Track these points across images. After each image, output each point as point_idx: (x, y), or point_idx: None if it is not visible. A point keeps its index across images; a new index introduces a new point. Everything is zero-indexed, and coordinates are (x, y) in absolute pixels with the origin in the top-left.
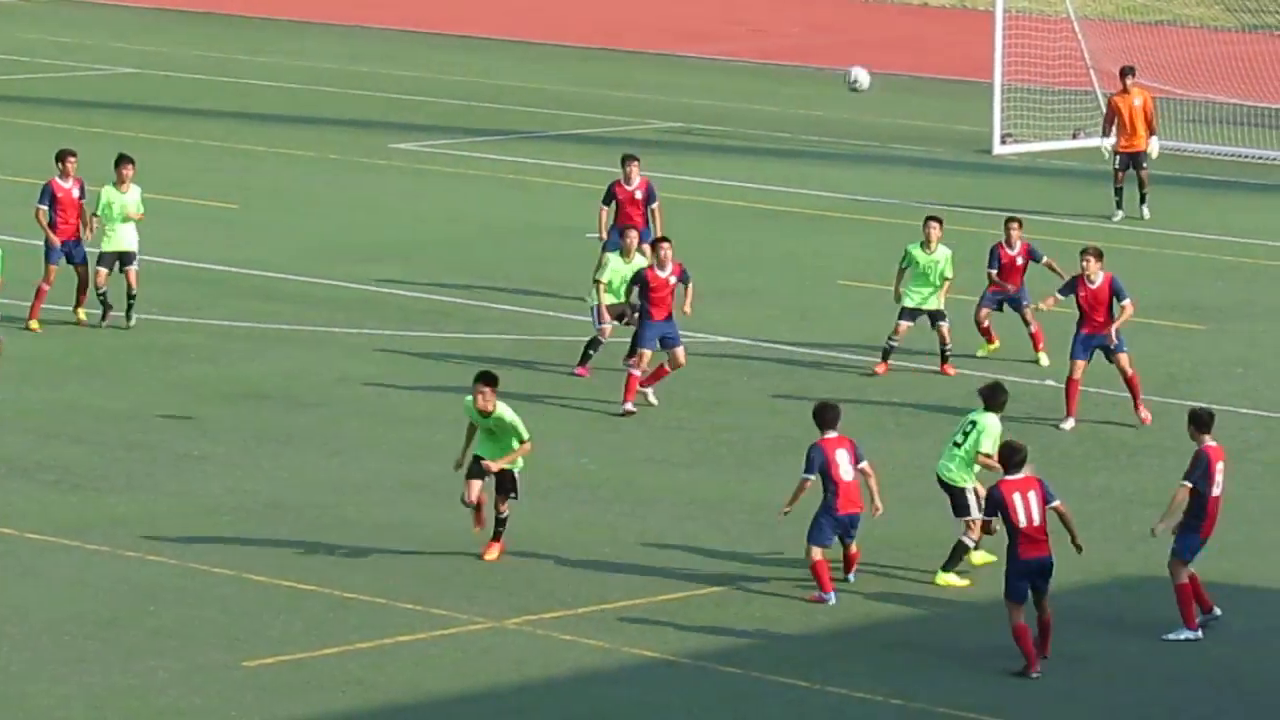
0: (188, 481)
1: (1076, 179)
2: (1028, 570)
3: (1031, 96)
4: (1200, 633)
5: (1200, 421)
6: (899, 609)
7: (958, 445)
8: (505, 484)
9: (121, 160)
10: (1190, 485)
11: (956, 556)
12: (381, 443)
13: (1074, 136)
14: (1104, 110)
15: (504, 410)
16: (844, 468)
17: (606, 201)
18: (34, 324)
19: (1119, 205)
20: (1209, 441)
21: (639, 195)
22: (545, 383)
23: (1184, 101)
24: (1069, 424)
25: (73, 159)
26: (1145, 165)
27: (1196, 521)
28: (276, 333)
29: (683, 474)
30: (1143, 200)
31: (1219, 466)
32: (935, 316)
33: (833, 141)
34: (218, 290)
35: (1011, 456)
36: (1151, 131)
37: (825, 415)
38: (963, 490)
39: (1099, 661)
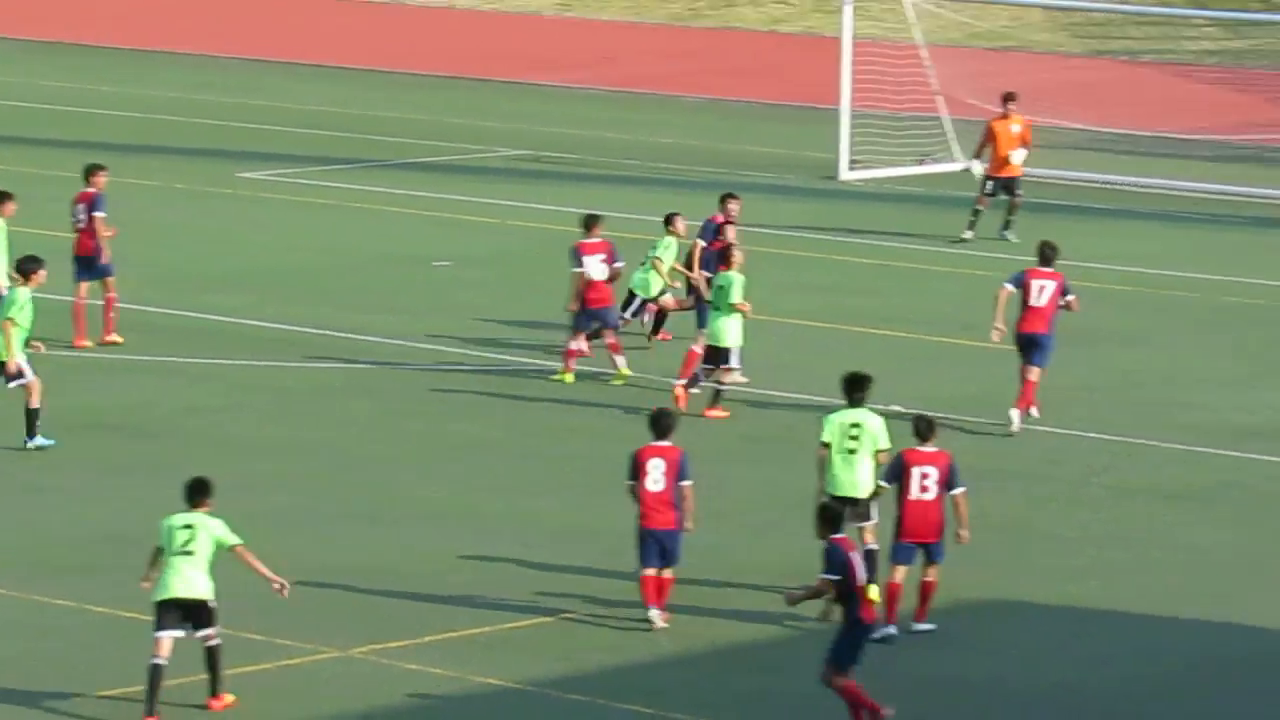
0: (30, 513)
1: (923, 204)
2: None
3: (879, 123)
4: (894, 629)
5: (915, 428)
6: (746, 633)
7: (852, 453)
8: (202, 616)
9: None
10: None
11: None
12: (226, 473)
13: (920, 162)
14: (980, 136)
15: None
16: (653, 477)
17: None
18: None
19: (971, 226)
20: (918, 446)
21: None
22: (391, 412)
23: (1032, 127)
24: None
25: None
26: (1019, 192)
27: (896, 524)
28: (122, 363)
29: (530, 502)
30: (1007, 225)
31: (916, 471)
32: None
33: (682, 169)
34: (62, 321)
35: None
36: (1026, 147)
37: (656, 422)
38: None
39: (948, 686)
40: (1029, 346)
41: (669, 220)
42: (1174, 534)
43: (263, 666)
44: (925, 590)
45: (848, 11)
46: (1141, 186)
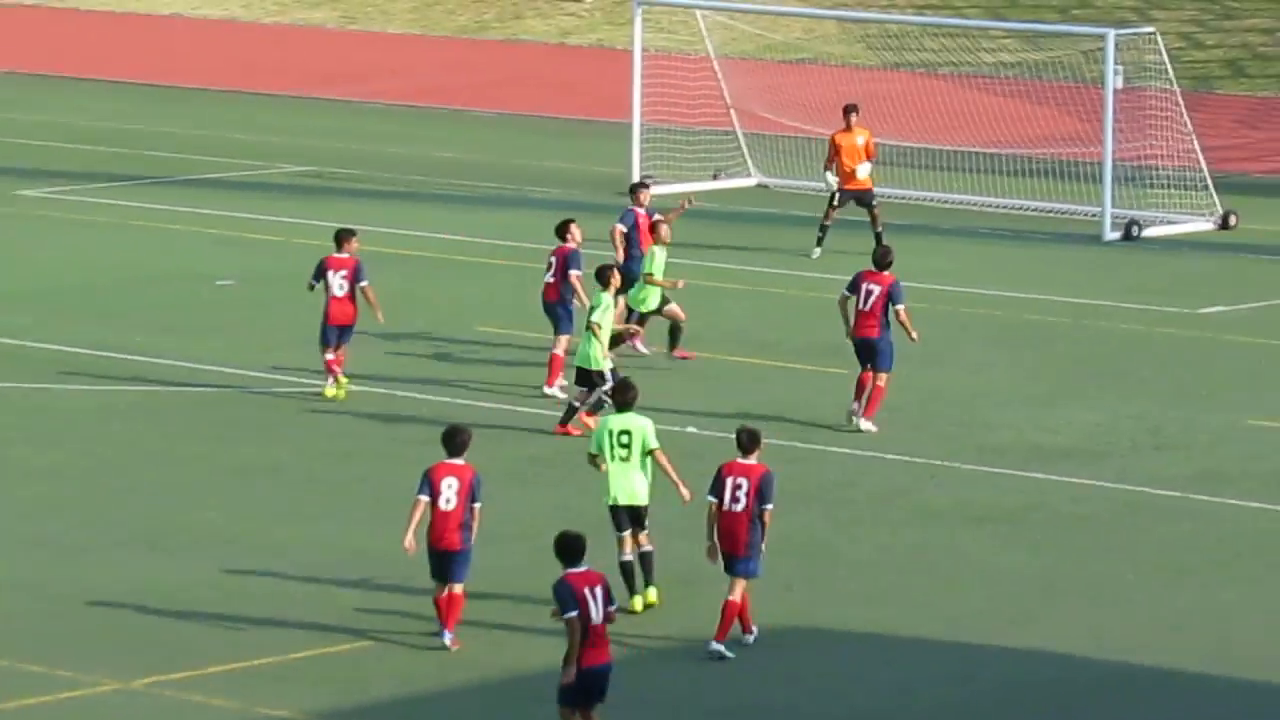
0: None
1: (717, 220)
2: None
3: (672, 137)
4: (723, 648)
5: (737, 439)
6: (539, 659)
7: (625, 460)
8: None
9: None
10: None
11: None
12: (3, 498)
13: (715, 177)
14: (827, 150)
15: None
16: (445, 496)
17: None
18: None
19: (820, 242)
20: (739, 458)
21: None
22: (174, 434)
23: (826, 140)
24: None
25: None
26: (875, 203)
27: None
28: None
29: (317, 526)
30: (879, 240)
31: (729, 482)
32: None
33: (467, 184)
34: None
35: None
36: (870, 159)
37: (449, 440)
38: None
39: (743, 717)
40: (861, 351)
41: (653, 227)
42: (978, 557)
43: (42, 699)
44: (725, 610)
45: (638, 24)
46: (940, 201)
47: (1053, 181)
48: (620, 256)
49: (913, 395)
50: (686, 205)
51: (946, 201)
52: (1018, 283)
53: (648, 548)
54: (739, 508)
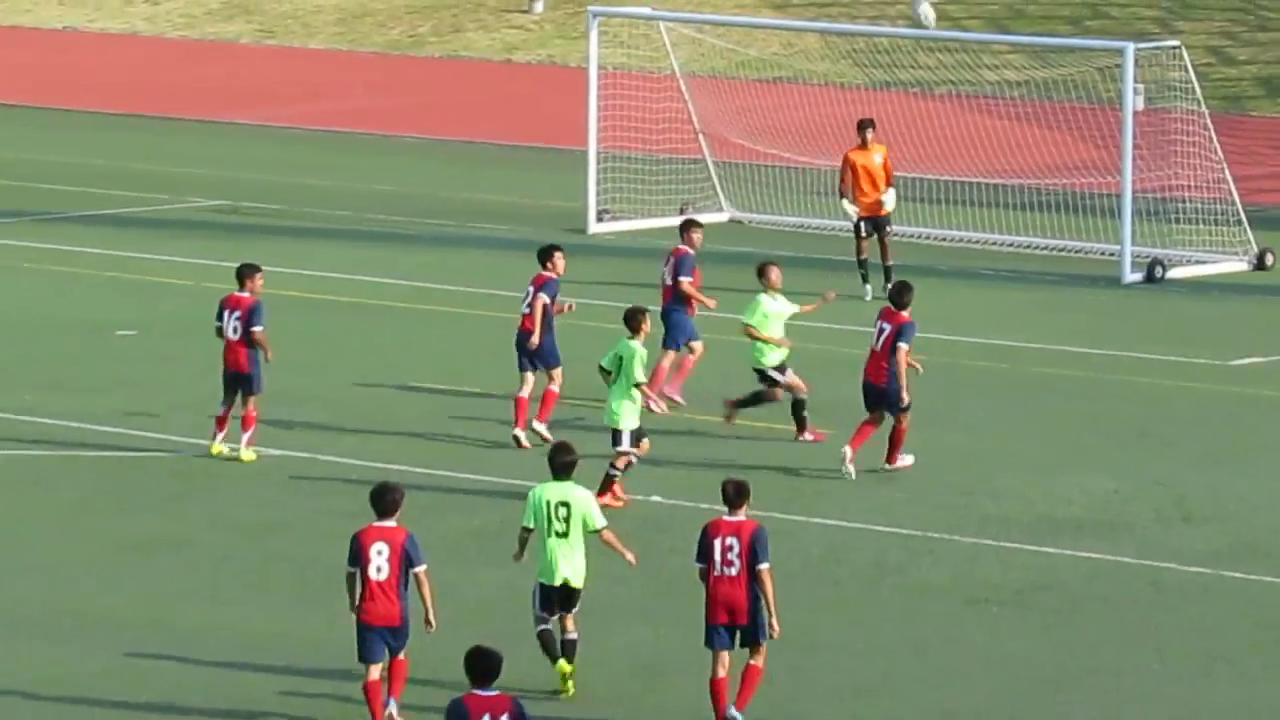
0: None
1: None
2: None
3: (632, 166)
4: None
5: (723, 494)
6: None
7: (564, 535)
8: None
9: None
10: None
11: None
12: None
13: (682, 211)
14: (840, 170)
15: None
16: (374, 563)
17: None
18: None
19: (865, 279)
20: (725, 514)
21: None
22: (68, 505)
23: (808, 170)
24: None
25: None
26: (889, 230)
27: (705, 605)
28: None
29: (230, 610)
30: (888, 276)
31: (718, 544)
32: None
33: (402, 220)
34: None
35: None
36: (890, 185)
37: (378, 499)
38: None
39: None
40: (868, 395)
41: (761, 271)
42: (979, 643)
43: None
44: (746, 675)
45: (593, 38)
46: (937, 239)
47: (1065, 216)
48: (705, 304)
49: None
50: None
51: (944, 239)
52: (1025, 331)
53: (572, 635)
54: (733, 571)
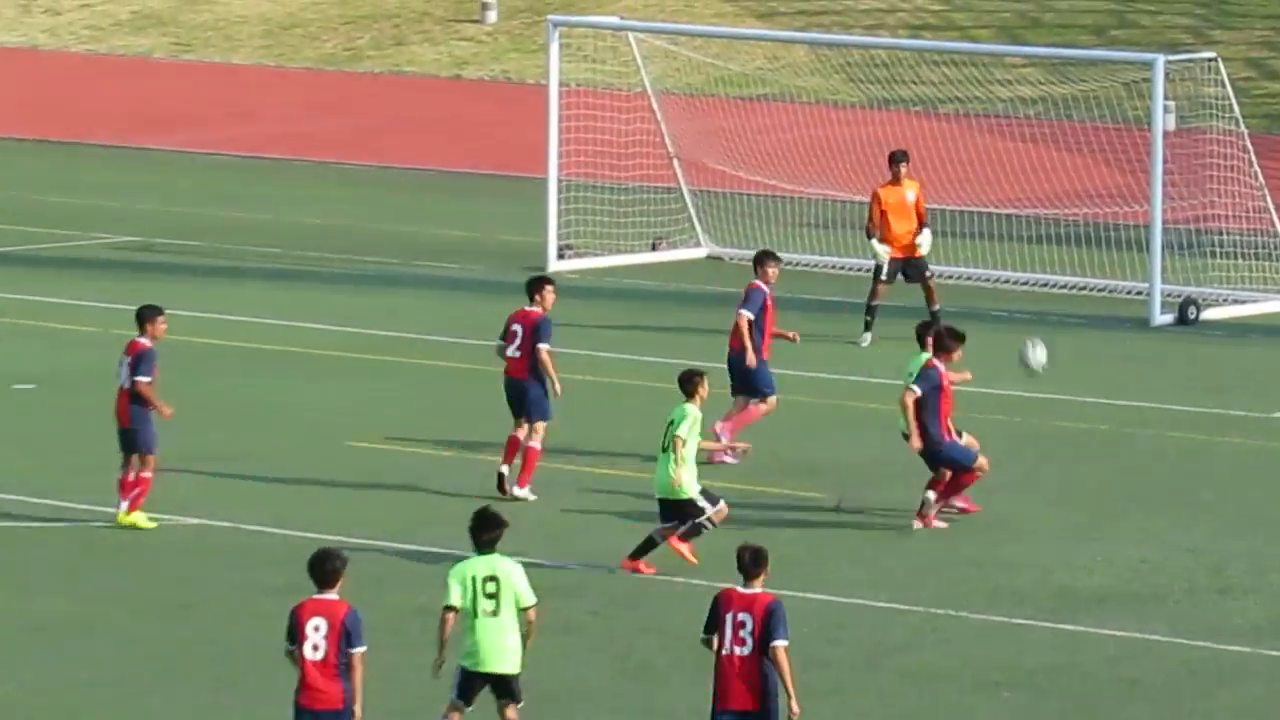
0: None
1: (657, 301)
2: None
3: (598, 196)
4: None
5: (738, 560)
6: None
7: (494, 614)
8: None
9: None
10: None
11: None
12: None
13: (654, 247)
14: (868, 207)
15: None
16: (310, 640)
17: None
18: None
19: (869, 326)
20: (739, 585)
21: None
22: None
23: (797, 200)
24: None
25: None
26: (929, 273)
27: (713, 687)
28: None
29: (141, 701)
30: (935, 319)
31: (729, 619)
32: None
33: (340, 258)
34: None
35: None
36: (923, 225)
37: (316, 568)
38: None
39: None
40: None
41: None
42: None
43: None
44: None
45: (554, 51)
46: (942, 277)
47: (1087, 250)
48: (750, 358)
49: (908, 524)
50: (791, 338)
51: (951, 276)
52: (1043, 380)
53: None
54: (745, 650)
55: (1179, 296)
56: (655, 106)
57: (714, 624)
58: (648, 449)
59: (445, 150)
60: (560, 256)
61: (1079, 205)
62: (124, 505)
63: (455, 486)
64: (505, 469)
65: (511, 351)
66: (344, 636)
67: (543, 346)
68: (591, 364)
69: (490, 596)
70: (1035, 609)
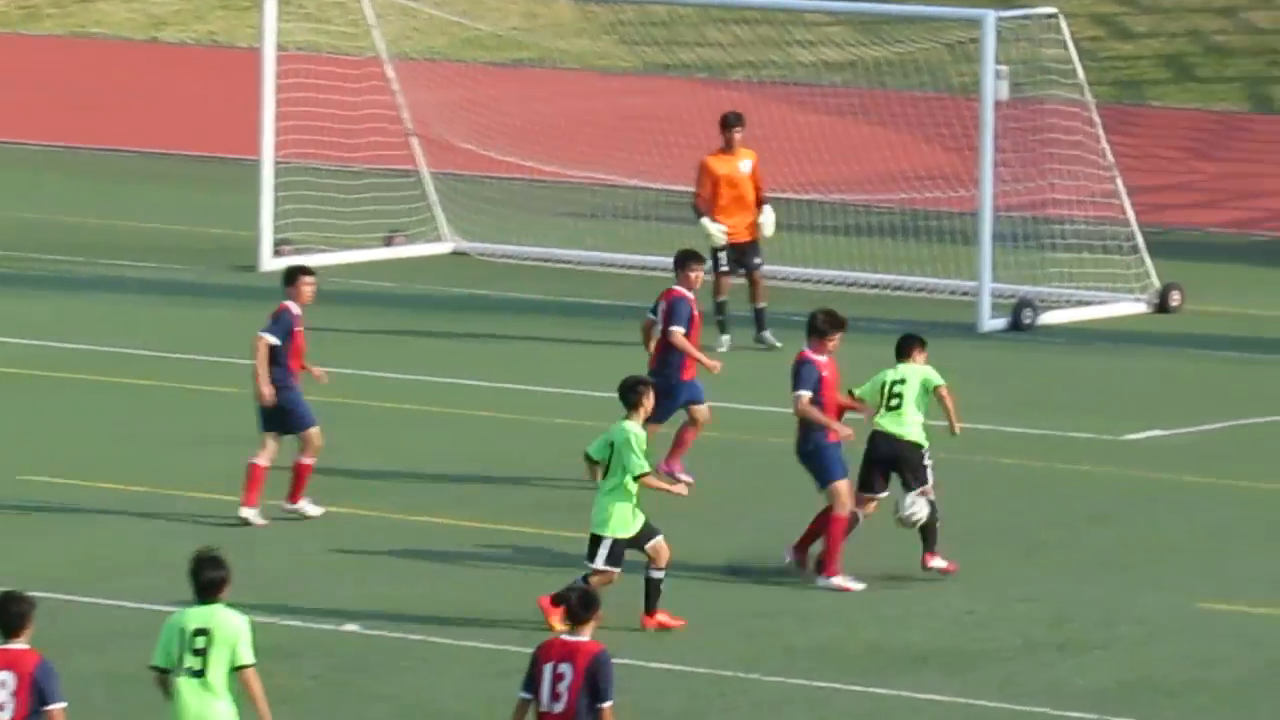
0: None
1: (393, 306)
2: None
3: (323, 181)
4: None
5: (565, 606)
6: None
7: (200, 676)
8: None
9: None
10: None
11: None
12: None
13: (389, 242)
14: (698, 177)
15: None
16: None
17: None
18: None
19: (724, 327)
20: (564, 633)
21: None
22: None
23: (561, 185)
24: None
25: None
26: (759, 262)
27: None
28: None
29: None
30: (761, 323)
31: (548, 670)
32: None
33: (13, 257)
34: None
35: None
36: (761, 202)
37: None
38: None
39: None
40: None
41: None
42: None
43: None
44: None
45: (269, 9)
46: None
47: (903, 243)
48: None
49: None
50: None
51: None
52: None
53: None
54: (559, 708)
55: (1012, 297)
56: (390, 74)
57: (531, 679)
58: (383, 480)
59: (138, 127)
60: (277, 253)
61: (894, 190)
62: None
63: (151, 528)
64: (250, 511)
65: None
66: (35, 693)
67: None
68: (309, 379)
69: (198, 654)
70: (840, 670)
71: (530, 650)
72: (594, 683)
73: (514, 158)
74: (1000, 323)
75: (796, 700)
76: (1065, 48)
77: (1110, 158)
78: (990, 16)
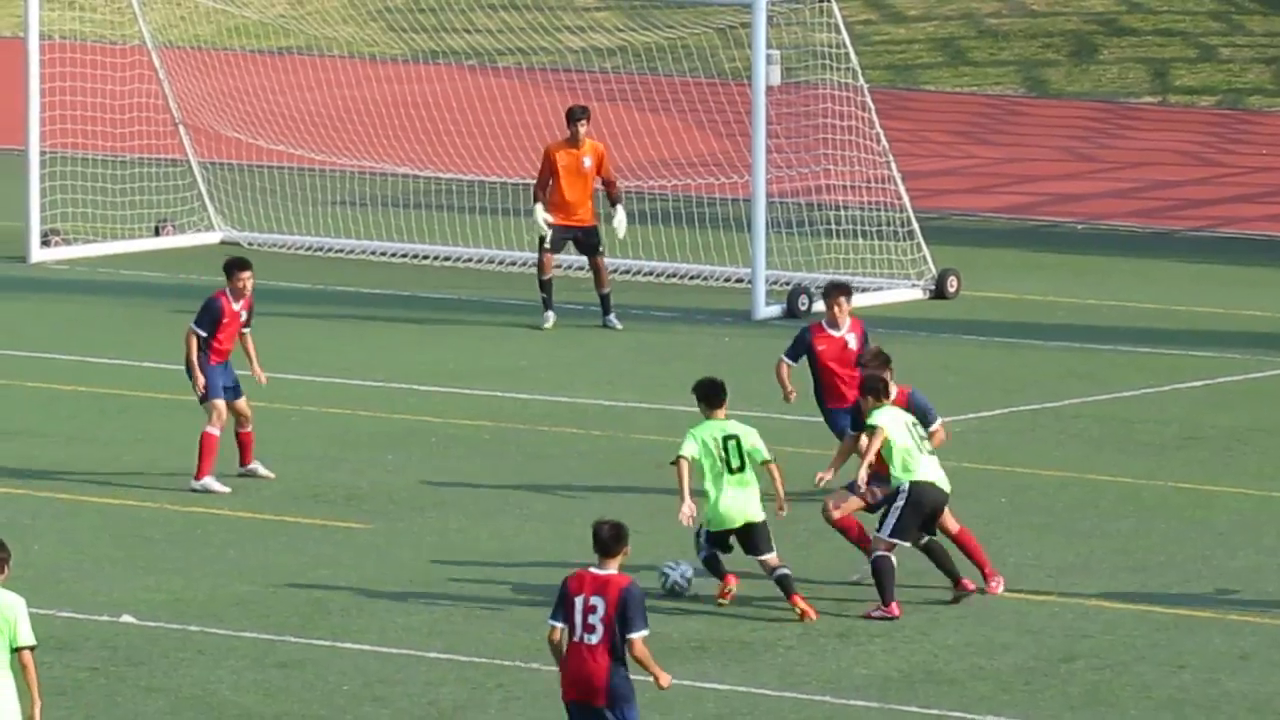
0: None
1: (164, 297)
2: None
3: (90, 171)
4: None
5: (596, 540)
6: None
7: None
8: None
9: None
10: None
11: None
12: None
13: (158, 231)
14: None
15: None
16: None
17: None
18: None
19: (547, 305)
20: (595, 567)
21: None
22: None
23: (329, 173)
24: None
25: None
26: (602, 250)
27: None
28: None
29: None
30: (607, 307)
31: (578, 601)
32: None
33: None
34: None
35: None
36: (615, 200)
37: None
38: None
39: None
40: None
41: None
42: None
43: None
44: None
45: None
46: (495, 262)
47: (676, 229)
48: None
49: None
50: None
51: (513, 262)
52: (622, 387)
53: None
54: (594, 639)
55: (788, 284)
56: (157, 62)
57: (564, 609)
58: (155, 471)
59: None
60: (45, 244)
61: (666, 176)
62: None
63: None
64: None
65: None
66: None
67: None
68: (81, 370)
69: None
70: None
71: None
72: (624, 614)
73: (283, 146)
74: (776, 310)
75: None
76: (838, 31)
77: (885, 143)
78: (762, 1)
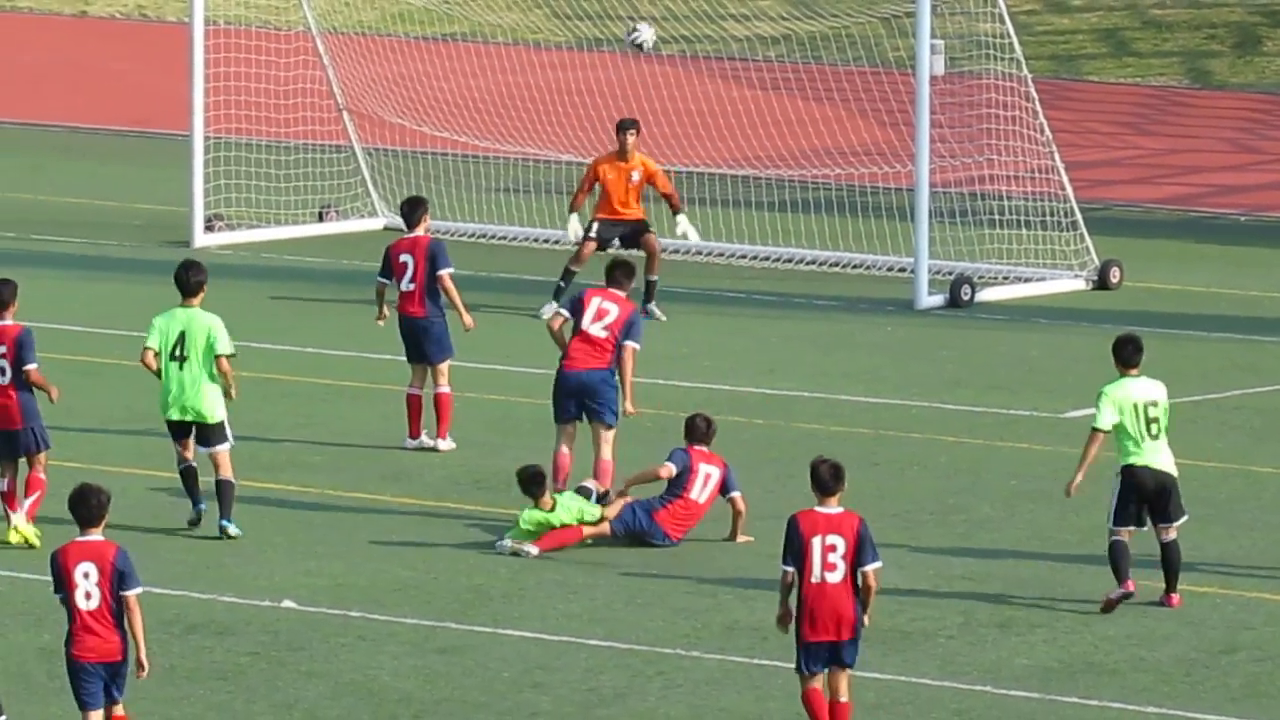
0: None
1: (327, 282)
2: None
3: (253, 156)
4: None
5: (814, 478)
6: None
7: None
8: None
9: None
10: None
11: None
12: None
13: (321, 217)
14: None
15: None
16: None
17: None
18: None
19: (559, 295)
20: (821, 507)
21: None
22: None
23: (493, 160)
24: None
25: None
26: (653, 230)
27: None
28: None
29: None
30: (650, 294)
31: (815, 541)
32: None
33: None
34: None
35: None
36: (677, 210)
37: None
38: None
39: None
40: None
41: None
42: None
43: None
44: (835, 715)
45: None
46: (665, 251)
47: (839, 219)
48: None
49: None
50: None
51: (677, 250)
52: (785, 375)
53: None
54: (836, 577)
55: (950, 274)
56: (321, 49)
57: (796, 550)
58: (319, 456)
59: (68, 102)
60: (209, 229)
61: (830, 165)
62: (19, 515)
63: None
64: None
65: (405, 285)
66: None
67: (445, 272)
68: (243, 356)
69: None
70: (779, 648)
71: None
72: (862, 548)
73: (446, 133)
74: (938, 299)
75: (735, 678)
76: (1001, 21)
77: (1048, 133)
78: None
